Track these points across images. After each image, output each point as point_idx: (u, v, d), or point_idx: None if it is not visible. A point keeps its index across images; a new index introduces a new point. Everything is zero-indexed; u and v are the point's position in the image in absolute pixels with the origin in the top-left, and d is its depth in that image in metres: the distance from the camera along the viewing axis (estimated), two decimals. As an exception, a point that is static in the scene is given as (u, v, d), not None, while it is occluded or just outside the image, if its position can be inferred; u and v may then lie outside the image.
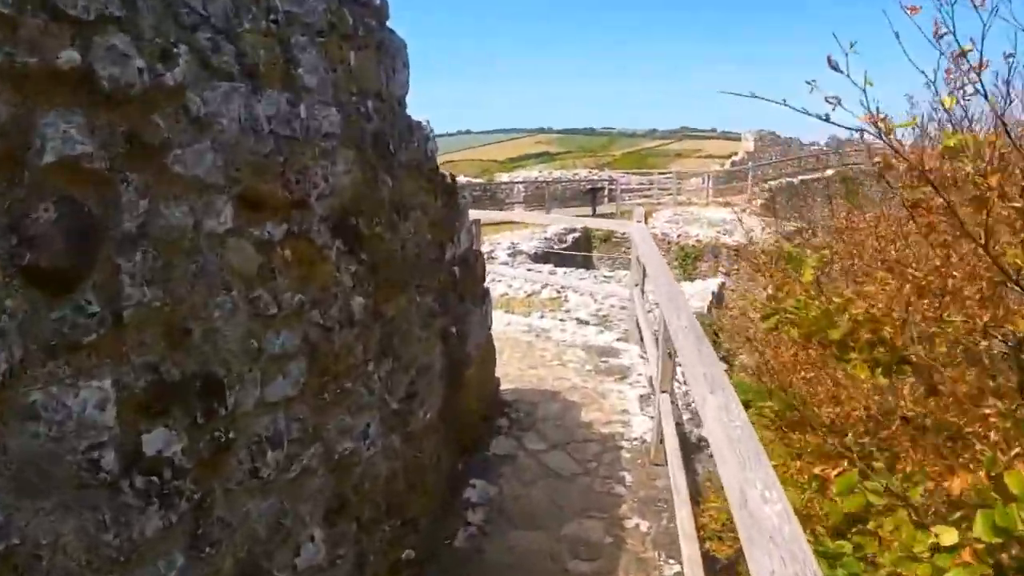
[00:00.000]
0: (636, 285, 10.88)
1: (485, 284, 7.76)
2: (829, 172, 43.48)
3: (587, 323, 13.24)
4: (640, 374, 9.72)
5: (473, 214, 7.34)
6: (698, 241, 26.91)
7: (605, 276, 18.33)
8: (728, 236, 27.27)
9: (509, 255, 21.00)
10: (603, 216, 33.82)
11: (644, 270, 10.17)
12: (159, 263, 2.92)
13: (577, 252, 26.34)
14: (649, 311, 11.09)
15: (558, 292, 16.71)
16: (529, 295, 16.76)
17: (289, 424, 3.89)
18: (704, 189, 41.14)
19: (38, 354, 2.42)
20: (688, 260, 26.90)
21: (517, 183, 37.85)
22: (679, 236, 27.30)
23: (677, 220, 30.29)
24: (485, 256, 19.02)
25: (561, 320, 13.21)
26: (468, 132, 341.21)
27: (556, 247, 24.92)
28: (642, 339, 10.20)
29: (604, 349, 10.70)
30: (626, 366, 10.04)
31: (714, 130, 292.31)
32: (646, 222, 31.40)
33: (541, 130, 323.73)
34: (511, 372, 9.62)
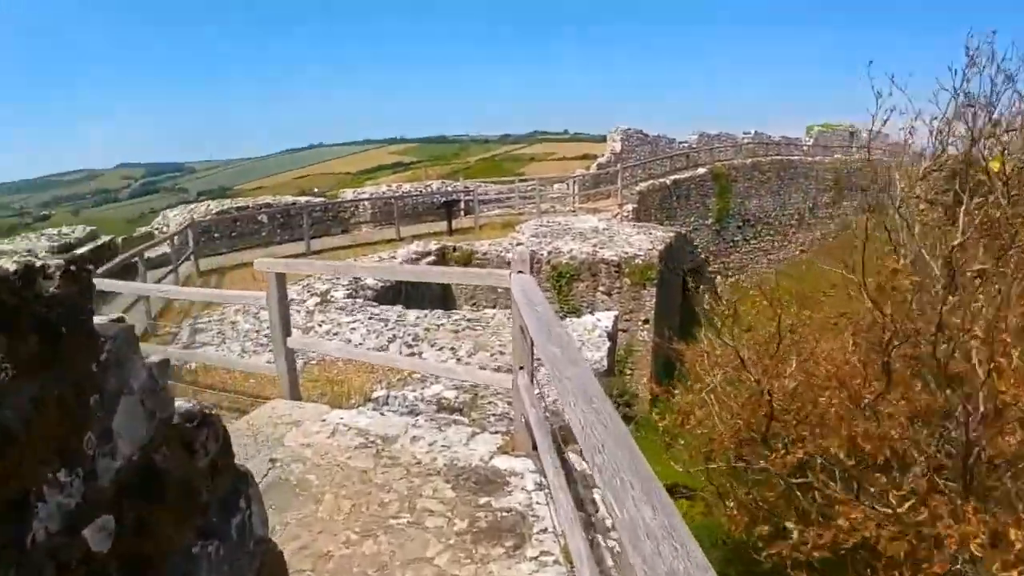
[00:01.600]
0: (521, 368, 6.87)
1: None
2: (701, 170, 41.31)
3: (453, 410, 9.38)
4: (546, 530, 5.78)
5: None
6: (572, 258, 23.33)
7: (469, 320, 14.40)
8: (605, 249, 23.75)
9: (348, 294, 16.96)
10: (460, 232, 30.11)
11: (532, 346, 6.28)
12: None
13: (430, 286, 22.55)
14: (550, 410, 7.29)
15: (410, 346, 12.87)
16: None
17: None
18: (569, 195, 37.99)
19: None
20: (563, 281, 23.34)
21: (363, 200, 33.66)
22: (550, 253, 23.62)
23: (544, 233, 26.71)
24: (318, 299, 14.83)
25: (414, 412, 9.20)
26: (320, 145, 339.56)
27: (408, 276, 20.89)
28: (535, 447, 6.27)
29: (482, 477, 6.76)
30: (519, 513, 6.08)
31: (566, 132, 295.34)
32: (511, 233, 28.30)
33: (394, 140, 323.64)
34: (331, 550, 5.54)
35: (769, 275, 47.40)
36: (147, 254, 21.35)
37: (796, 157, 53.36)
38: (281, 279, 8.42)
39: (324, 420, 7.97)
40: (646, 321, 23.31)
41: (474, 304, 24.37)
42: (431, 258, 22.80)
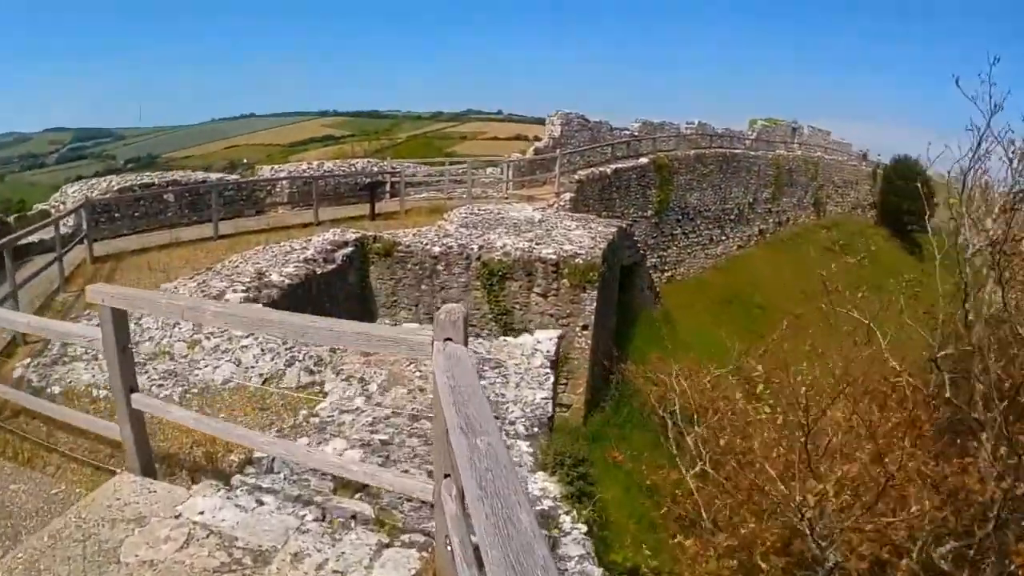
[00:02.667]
0: (446, 477, 4.65)
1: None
2: (643, 160, 39.85)
3: (356, 490, 7.06)
4: None
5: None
6: (505, 254, 21.10)
7: (388, 334, 12.19)
8: (542, 246, 21.58)
9: (248, 297, 14.57)
10: (384, 217, 27.75)
11: (455, 462, 4.07)
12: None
13: (347, 280, 20.31)
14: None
15: (311, 371, 10.69)
16: (266, 380, 10.69)
17: None
18: (503, 180, 35.82)
19: None
20: (494, 280, 21.14)
21: (281, 179, 30.98)
22: (481, 248, 21.38)
23: (475, 223, 24.46)
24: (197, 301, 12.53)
25: (301, 499, 6.73)
26: (252, 115, 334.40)
27: (320, 268, 18.56)
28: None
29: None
30: None
31: (500, 112, 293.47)
32: (438, 221, 25.98)
33: (325, 113, 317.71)
34: None
35: (706, 272, 46.14)
36: (40, 236, 19.30)
37: (739, 151, 52.23)
38: (121, 317, 6.13)
39: (178, 516, 5.83)
40: (585, 327, 21.25)
41: (394, 312, 22.14)
42: (348, 250, 20.38)
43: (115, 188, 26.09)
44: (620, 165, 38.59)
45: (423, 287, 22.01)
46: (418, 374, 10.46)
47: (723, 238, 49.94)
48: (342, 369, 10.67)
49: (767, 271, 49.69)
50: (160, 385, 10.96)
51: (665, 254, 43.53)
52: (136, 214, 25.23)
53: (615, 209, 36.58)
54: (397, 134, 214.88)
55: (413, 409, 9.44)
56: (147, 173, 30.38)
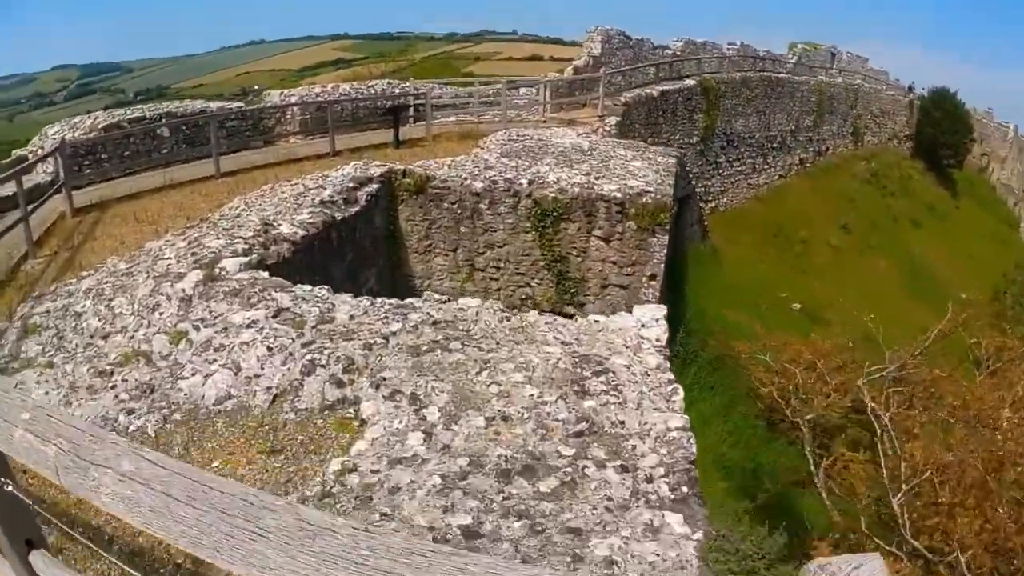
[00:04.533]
0: None
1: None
2: (689, 82, 37.29)
3: None
4: None
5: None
6: (561, 191, 17.55)
7: (436, 325, 8.57)
8: (603, 181, 18.07)
9: (249, 263, 11.01)
10: (409, 145, 24.36)
11: None
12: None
13: (372, 224, 16.90)
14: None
15: (340, 384, 7.37)
16: (276, 397, 7.38)
17: None
18: (539, 103, 32.19)
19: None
20: (548, 222, 17.66)
21: (291, 104, 27.31)
22: (531, 183, 17.83)
23: (517, 152, 20.95)
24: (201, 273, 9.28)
25: None
26: (263, 41, 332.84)
27: (341, 212, 15.02)
28: None
29: None
30: None
31: (515, 32, 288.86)
32: (473, 148, 22.45)
33: (338, 36, 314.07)
34: None
35: (748, 203, 43.49)
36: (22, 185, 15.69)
37: (783, 75, 48.77)
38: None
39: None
40: (652, 277, 17.81)
41: (428, 258, 18.68)
42: (373, 187, 16.77)
43: (100, 126, 22.56)
44: (666, 87, 34.99)
45: (462, 229, 18.41)
46: (496, 389, 7.14)
47: (765, 167, 46.71)
48: (385, 378, 7.32)
49: (808, 202, 46.92)
50: (131, 411, 7.76)
51: (709, 183, 40.22)
52: (126, 154, 21.89)
53: (661, 135, 33.16)
54: (412, 55, 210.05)
55: (502, 458, 6.14)
56: (139, 106, 26.69)
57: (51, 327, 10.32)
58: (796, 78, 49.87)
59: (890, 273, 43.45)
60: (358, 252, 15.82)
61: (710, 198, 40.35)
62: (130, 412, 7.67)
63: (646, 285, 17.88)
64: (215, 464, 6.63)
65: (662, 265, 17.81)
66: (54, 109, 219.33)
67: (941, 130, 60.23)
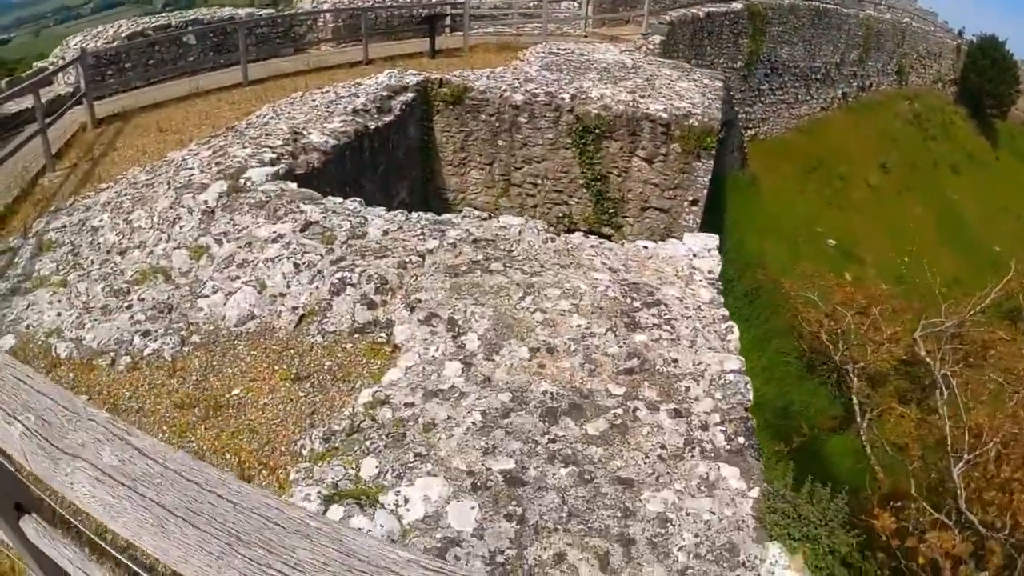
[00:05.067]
0: None
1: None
2: (736, 5, 35.79)
3: None
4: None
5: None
6: (604, 108, 16.78)
7: (476, 244, 7.94)
8: (648, 100, 17.26)
9: (276, 173, 10.36)
10: (445, 55, 23.62)
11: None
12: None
13: (406, 134, 16.20)
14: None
15: (371, 306, 6.84)
16: (303, 317, 6.86)
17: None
18: (580, 17, 31.08)
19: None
20: (589, 140, 16.92)
21: (323, 10, 26.51)
22: (573, 98, 17.05)
23: (558, 65, 20.22)
24: (225, 183, 8.88)
25: None
26: None
27: (374, 121, 14.36)
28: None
29: None
30: None
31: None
32: (512, 60, 21.63)
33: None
34: None
35: (789, 133, 42.54)
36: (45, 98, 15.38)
37: (830, 6, 46.90)
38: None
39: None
40: (694, 202, 17.13)
41: (463, 171, 17.99)
42: (408, 96, 16.04)
43: (124, 35, 21.90)
44: (712, 8, 33.73)
45: (499, 143, 17.66)
46: (540, 317, 6.55)
47: (808, 98, 45.33)
48: (420, 300, 6.74)
49: (848, 138, 45.64)
50: (146, 332, 7.25)
51: (751, 110, 39.16)
52: (151, 62, 21.22)
53: (705, 57, 32.11)
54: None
55: (547, 394, 5.59)
56: (165, 14, 26.05)
57: (66, 243, 9.84)
58: (844, 10, 48.18)
59: (925, 217, 42.46)
60: (391, 163, 15.16)
61: (751, 125, 39.42)
62: (145, 334, 7.18)
63: (687, 210, 17.23)
64: (235, 392, 6.13)
65: (705, 191, 17.14)
66: (81, 22, 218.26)
67: (987, 78, 58.24)
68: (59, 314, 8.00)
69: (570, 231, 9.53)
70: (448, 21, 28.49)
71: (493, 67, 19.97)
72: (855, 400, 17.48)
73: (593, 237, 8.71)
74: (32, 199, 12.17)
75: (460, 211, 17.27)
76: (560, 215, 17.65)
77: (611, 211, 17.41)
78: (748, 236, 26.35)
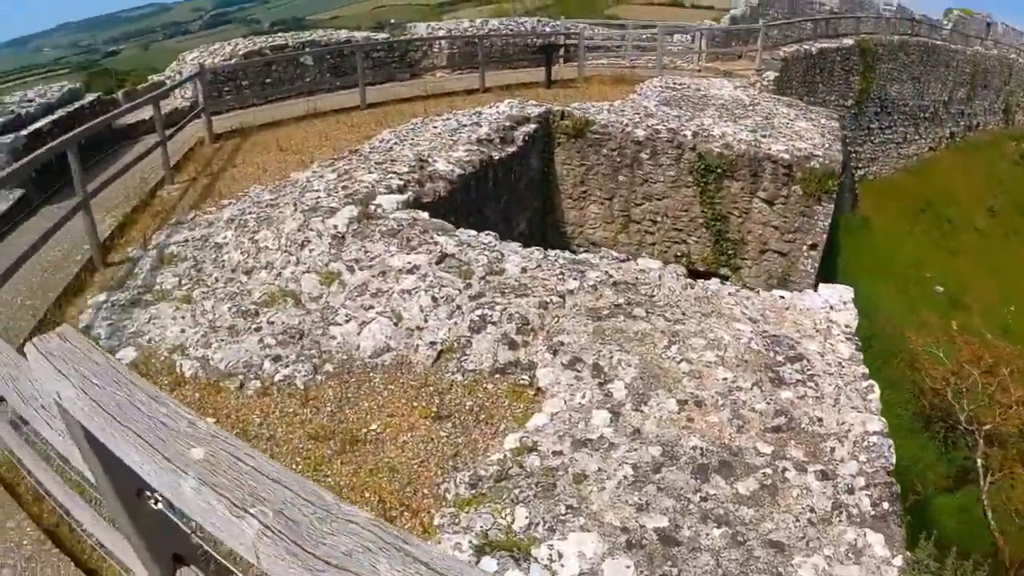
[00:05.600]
0: None
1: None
2: (847, 41, 35.47)
3: None
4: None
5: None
6: (726, 147, 16.52)
7: (616, 287, 7.73)
8: (770, 140, 16.95)
9: (404, 196, 10.34)
10: (560, 85, 23.58)
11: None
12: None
13: (528, 166, 16.12)
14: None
15: (515, 343, 6.73)
16: (441, 353, 6.83)
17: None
18: (692, 51, 30.96)
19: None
20: (711, 179, 16.69)
21: (439, 37, 26.65)
22: (695, 136, 16.82)
23: (676, 100, 20.02)
24: (356, 209, 8.82)
25: None
26: None
27: (498, 151, 14.32)
28: None
29: None
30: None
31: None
32: (629, 94, 21.43)
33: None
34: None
35: (897, 174, 41.72)
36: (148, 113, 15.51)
37: (939, 42, 45.92)
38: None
39: None
40: (813, 247, 16.77)
41: (582, 204, 17.85)
42: (530, 127, 15.97)
43: (241, 53, 22.40)
44: (825, 45, 33.31)
45: (620, 178, 17.46)
46: (686, 367, 6.39)
47: (916, 137, 44.22)
48: (562, 343, 6.60)
49: (956, 179, 44.08)
50: (277, 357, 7.20)
51: (860, 150, 38.47)
52: (268, 81, 21.68)
53: (817, 94, 31.58)
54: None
55: (697, 450, 5.42)
56: (280, 34, 26.51)
57: (189, 258, 9.93)
58: (952, 46, 47.13)
59: (1034, 264, 41.24)
60: (512, 194, 15.16)
61: (860, 165, 38.69)
62: (276, 359, 7.14)
63: (805, 254, 16.88)
64: (373, 427, 6.05)
65: (824, 235, 16.79)
66: (189, 38, 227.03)
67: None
68: (183, 330, 8.01)
69: (691, 273, 9.29)
70: (562, 51, 28.41)
71: (610, 100, 19.89)
72: (979, 463, 16.86)
73: (729, 284, 8.53)
74: (151, 210, 12.37)
75: (579, 245, 17.11)
76: (678, 254, 17.43)
77: (730, 252, 17.14)
78: (860, 279, 25.80)
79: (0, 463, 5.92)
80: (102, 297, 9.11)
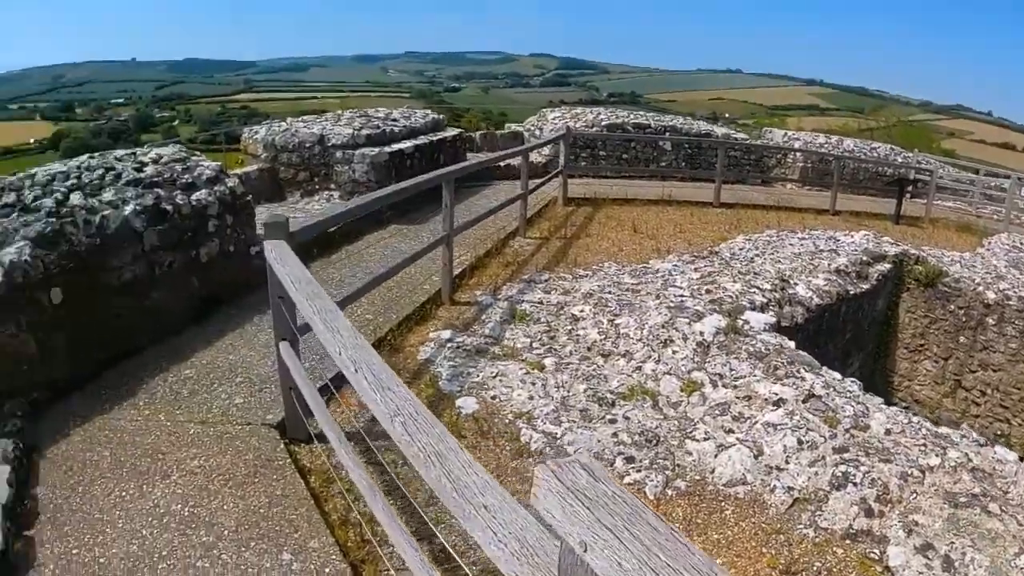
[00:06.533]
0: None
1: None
2: None
3: None
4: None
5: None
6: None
7: (976, 456, 7.40)
8: None
9: (770, 317, 10.26)
10: (906, 222, 22.81)
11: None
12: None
13: (875, 306, 15.59)
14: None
15: (871, 511, 6.59)
16: (796, 501, 6.74)
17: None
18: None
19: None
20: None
21: (795, 149, 26.35)
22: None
23: (1019, 263, 18.52)
24: (723, 321, 8.62)
25: None
26: (739, 71, 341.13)
27: (853, 286, 13.88)
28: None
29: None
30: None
31: (990, 113, 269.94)
32: (976, 247, 19.96)
33: (812, 81, 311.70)
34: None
35: None
36: (509, 161, 17.14)
37: None
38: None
39: None
40: None
41: (916, 359, 17.22)
42: (885, 267, 15.39)
43: (603, 123, 23.16)
44: None
45: (961, 339, 16.48)
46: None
47: None
48: (916, 523, 6.34)
49: None
50: (630, 459, 7.13)
51: None
52: (625, 156, 22.21)
53: None
54: (880, 116, 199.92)
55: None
56: (638, 112, 27.36)
57: (542, 321, 10.14)
58: None
59: None
60: (855, 333, 14.80)
61: None
62: (629, 460, 7.07)
63: None
64: (718, 562, 5.97)
65: None
66: (528, 91, 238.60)
67: None
68: (531, 398, 8.05)
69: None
70: (911, 187, 27.58)
71: (955, 248, 19.15)
72: None
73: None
74: (502, 259, 12.89)
75: (901, 399, 16.43)
76: (997, 432, 16.42)
77: (1052, 445, 15.99)
78: None
79: (315, 471, 6.27)
80: (446, 334, 9.45)
